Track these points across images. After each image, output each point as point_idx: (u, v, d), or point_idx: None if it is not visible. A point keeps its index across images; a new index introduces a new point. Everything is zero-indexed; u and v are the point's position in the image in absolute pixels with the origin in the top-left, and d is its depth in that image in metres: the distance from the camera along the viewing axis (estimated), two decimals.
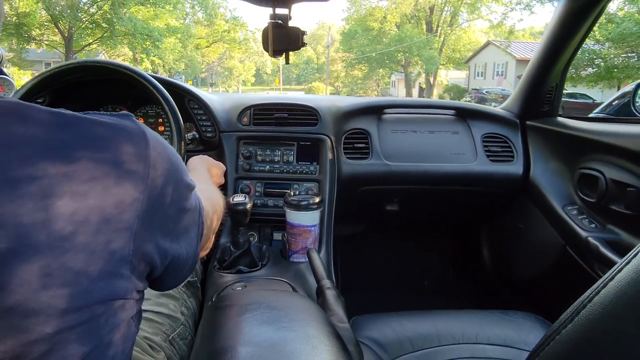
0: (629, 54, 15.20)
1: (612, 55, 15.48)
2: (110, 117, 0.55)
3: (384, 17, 30.82)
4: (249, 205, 1.34)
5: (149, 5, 21.18)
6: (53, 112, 0.50)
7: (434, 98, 23.60)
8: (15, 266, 0.43)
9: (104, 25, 20.69)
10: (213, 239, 0.91)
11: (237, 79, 41.37)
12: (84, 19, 20.68)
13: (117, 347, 0.54)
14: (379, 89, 39.51)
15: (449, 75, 34.80)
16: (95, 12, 20.67)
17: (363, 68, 35.29)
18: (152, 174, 0.54)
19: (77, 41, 20.82)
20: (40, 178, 0.45)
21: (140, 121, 0.58)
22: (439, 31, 30.33)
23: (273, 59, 1.57)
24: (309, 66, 61.99)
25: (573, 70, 14.77)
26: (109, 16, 20.27)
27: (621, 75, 15.12)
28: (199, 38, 28.86)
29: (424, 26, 30.29)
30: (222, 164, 1.31)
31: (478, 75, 31.27)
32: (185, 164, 1.15)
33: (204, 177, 1.12)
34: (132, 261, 0.52)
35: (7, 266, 0.43)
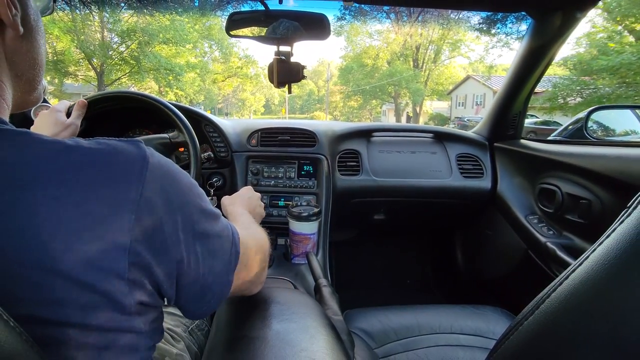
0: (620, 85, 14.74)
1: (604, 86, 15.03)
2: (113, 142, 0.51)
3: (376, 54, 30.62)
4: None
5: (171, 45, 20.85)
6: (54, 140, 0.48)
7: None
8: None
9: (131, 61, 20.37)
10: (264, 275, 0.81)
11: (249, 109, 40.76)
12: (114, 57, 20.38)
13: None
14: (371, 117, 38.95)
15: (433, 106, 34.28)
16: (124, 51, 20.34)
17: (358, 99, 34.90)
18: (146, 195, 0.49)
19: (108, 75, 20.41)
20: (39, 200, 0.44)
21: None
22: (424, 67, 30.08)
23: (280, 91, 1.57)
24: (311, 98, 62.06)
25: (562, 100, 14.51)
26: (136, 54, 20.01)
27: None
28: (216, 73, 28.64)
29: (411, 63, 30.03)
30: (258, 194, 1.20)
31: (459, 105, 30.25)
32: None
33: (243, 214, 1.00)
34: (129, 278, 0.48)
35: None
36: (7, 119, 0.55)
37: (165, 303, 0.58)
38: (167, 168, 0.54)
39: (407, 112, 32.32)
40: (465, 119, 20.24)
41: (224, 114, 38.96)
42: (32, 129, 1.21)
